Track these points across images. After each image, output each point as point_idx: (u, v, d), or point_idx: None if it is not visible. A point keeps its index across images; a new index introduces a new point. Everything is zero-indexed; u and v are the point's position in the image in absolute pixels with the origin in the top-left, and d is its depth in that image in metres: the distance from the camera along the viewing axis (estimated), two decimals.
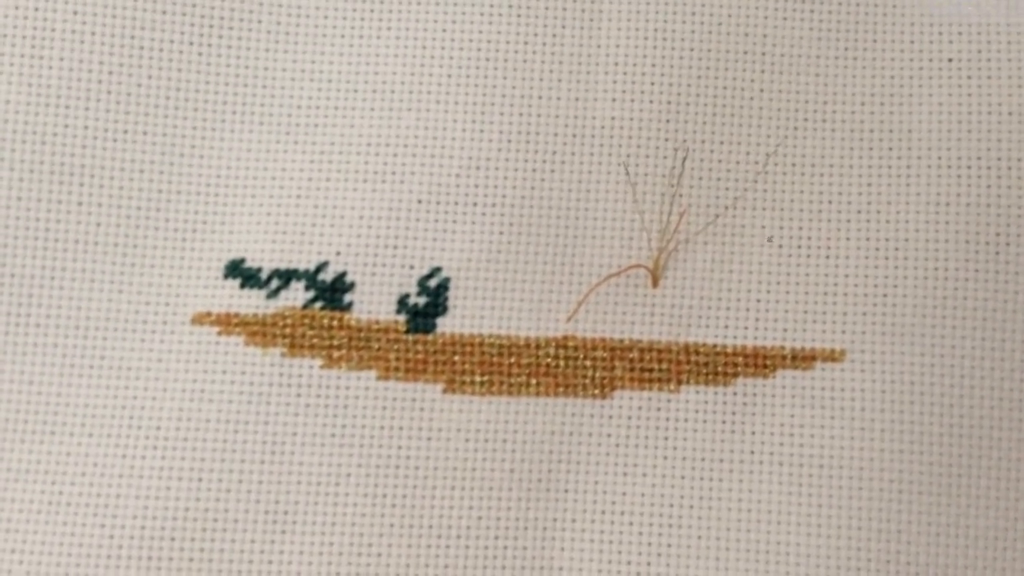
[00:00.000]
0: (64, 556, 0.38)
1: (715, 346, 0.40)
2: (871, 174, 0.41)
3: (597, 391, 0.40)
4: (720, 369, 0.40)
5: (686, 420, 0.40)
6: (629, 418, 0.40)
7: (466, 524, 0.39)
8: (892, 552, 0.38)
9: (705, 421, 0.40)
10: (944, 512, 0.39)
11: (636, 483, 0.39)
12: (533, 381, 0.40)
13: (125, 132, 0.40)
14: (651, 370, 0.40)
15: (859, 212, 0.41)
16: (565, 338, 0.40)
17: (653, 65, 0.41)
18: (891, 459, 0.39)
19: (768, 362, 0.40)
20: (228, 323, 0.40)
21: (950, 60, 0.41)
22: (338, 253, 0.40)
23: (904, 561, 0.38)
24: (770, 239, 0.40)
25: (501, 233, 0.40)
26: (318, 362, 0.40)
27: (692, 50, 0.41)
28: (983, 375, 0.39)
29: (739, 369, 0.40)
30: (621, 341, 0.40)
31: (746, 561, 0.39)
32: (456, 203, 0.41)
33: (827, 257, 0.40)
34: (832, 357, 0.40)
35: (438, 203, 0.41)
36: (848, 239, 0.40)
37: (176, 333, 0.40)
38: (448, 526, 0.39)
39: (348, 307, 0.40)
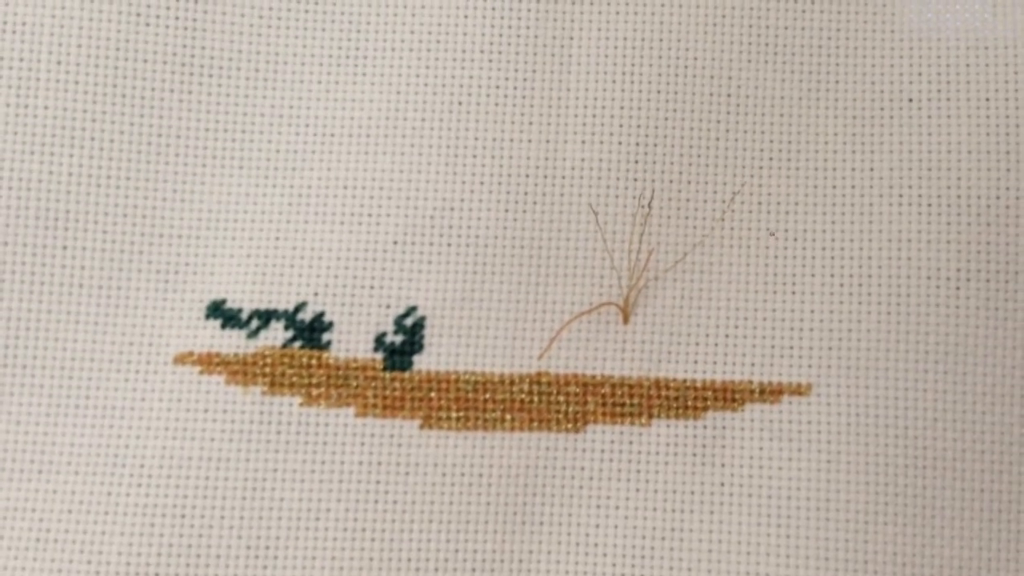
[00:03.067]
0: None
1: (685, 380, 0.43)
2: (835, 212, 0.43)
3: (570, 425, 0.42)
4: (690, 403, 0.42)
5: (657, 453, 0.42)
6: (602, 451, 0.42)
7: (443, 557, 0.41)
8: None
9: (676, 454, 0.42)
10: (910, 543, 0.41)
11: (609, 515, 0.42)
12: (508, 416, 0.42)
13: (108, 178, 0.43)
14: (623, 404, 0.42)
15: (823, 249, 0.43)
16: (538, 374, 0.43)
17: (621, 108, 0.44)
18: (857, 490, 0.41)
19: (737, 396, 0.42)
20: (210, 363, 0.42)
21: (910, 100, 0.44)
22: (316, 293, 0.43)
23: None
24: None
25: (475, 272, 0.43)
26: (297, 400, 0.42)
27: (659, 92, 0.44)
28: (946, 408, 0.42)
29: (708, 403, 0.42)
30: (593, 377, 0.43)
31: None
32: (431, 243, 0.43)
33: (793, 293, 0.43)
34: (799, 391, 0.42)
35: (413, 243, 0.43)
36: (813, 275, 0.43)
37: (159, 373, 0.42)
38: (426, 559, 0.41)
39: (326, 346, 0.42)
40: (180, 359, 0.42)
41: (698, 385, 0.42)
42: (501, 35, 0.44)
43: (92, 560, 0.40)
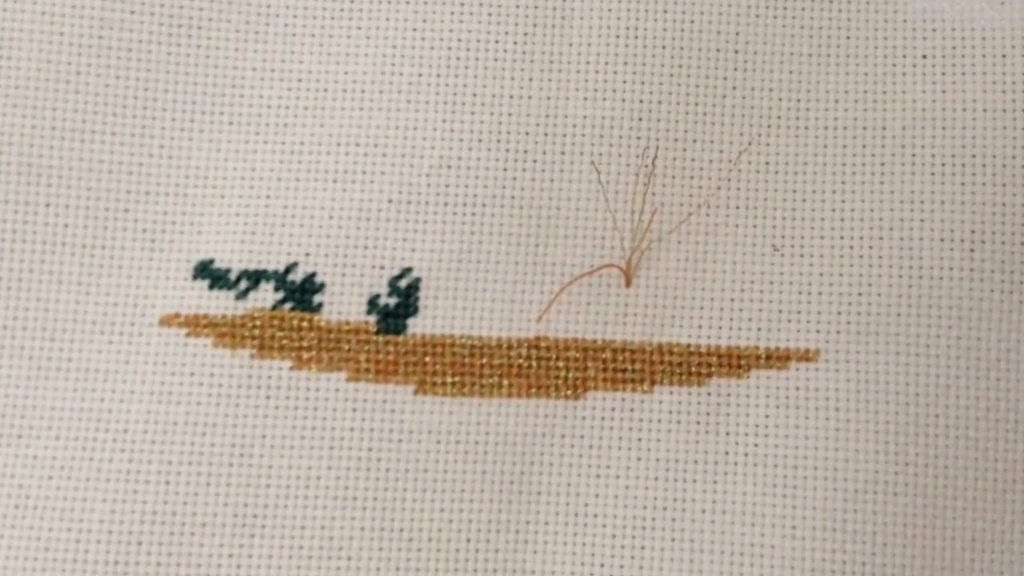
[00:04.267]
0: (31, 561, 0.39)
1: (689, 346, 0.42)
2: (845, 172, 0.42)
3: (569, 392, 0.42)
4: (694, 369, 0.42)
5: (659, 421, 0.41)
6: (602, 419, 0.41)
7: (437, 527, 0.41)
8: (868, 554, 0.40)
9: (679, 422, 0.41)
10: (920, 513, 0.40)
11: (609, 485, 0.41)
12: (505, 382, 0.41)
13: (93, 132, 0.42)
14: (624, 370, 0.42)
15: (833, 211, 0.42)
16: (537, 339, 0.42)
17: (625, 63, 0.43)
18: (866, 459, 0.40)
19: (742, 362, 0.42)
20: (196, 324, 0.41)
21: (924, 57, 0.43)
22: (307, 254, 0.42)
23: (880, 563, 0.40)
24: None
25: (472, 233, 0.42)
26: (287, 364, 0.41)
27: (664, 48, 0.43)
28: (958, 374, 0.41)
29: (713, 369, 0.42)
30: (594, 341, 0.42)
31: (720, 563, 0.40)
32: (427, 203, 0.42)
33: (801, 256, 0.42)
34: (806, 357, 0.41)
35: (408, 203, 0.42)
36: (822, 238, 0.42)
37: (144, 335, 0.41)
38: (419, 529, 0.40)
39: (318, 308, 0.42)
40: (166, 321, 0.41)
41: (702, 351, 0.42)
42: None
43: (73, 528, 0.40)
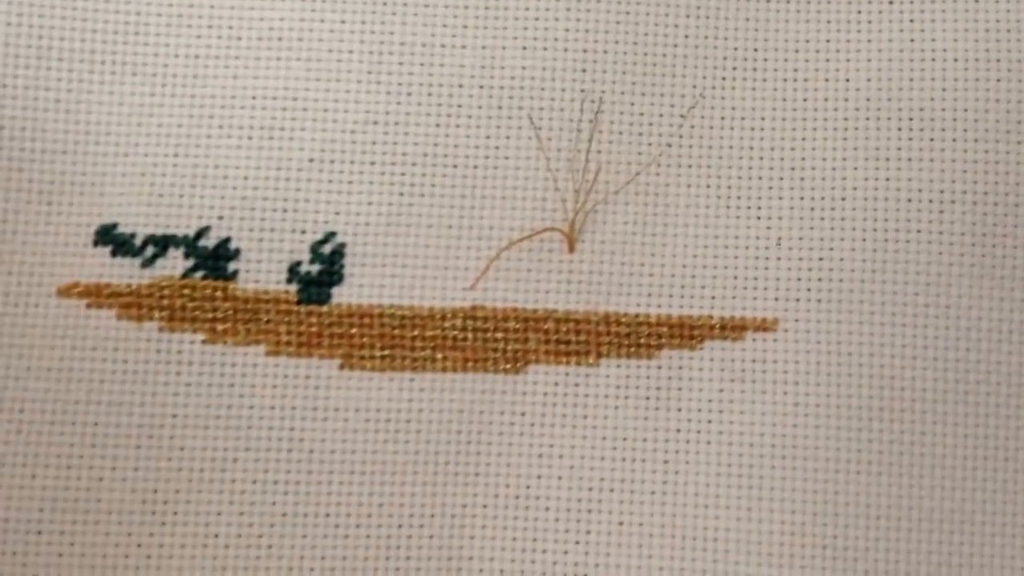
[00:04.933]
0: None
1: (637, 316, 0.41)
2: (805, 127, 0.42)
3: (509, 366, 0.41)
4: (643, 341, 0.41)
5: (606, 396, 0.41)
6: (544, 394, 0.41)
7: (367, 512, 0.40)
8: (829, 537, 0.40)
9: (627, 397, 0.41)
10: (885, 493, 0.40)
11: (552, 465, 0.41)
12: (439, 355, 0.41)
13: None
14: (568, 342, 0.41)
15: (792, 169, 0.42)
16: (474, 308, 0.41)
17: (568, 9, 0.42)
18: (828, 436, 0.40)
19: (695, 332, 0.41)
20: (99, 294, 0.40)
21: (890, 2, 0.42)
22: (220, 217, 0.41)
23: (842, 547, 0.40)
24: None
25: (401, 194, 0.41)
26: (200, 336, 0.40)
27: None
28: (926, 344, 0.41)
29: (663, 340, 0.41)
30: (535, 311, 0.41)
31: (671, 548, 0.40)
32: (352, 162, 0.41)
33: (758, 219, 0.42)
34: (764, 326, 0.41)
35: (332, 162, 0.41)
36: (780, 198, 0.42)
37: (41, 306, 0.40)
38: (347, 514, 0.40)
39: (233, 276, 0.41)
40: (65, 291, 0.40)
41: (652, 320, 0.41)
42: None
43: None
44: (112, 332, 0.40)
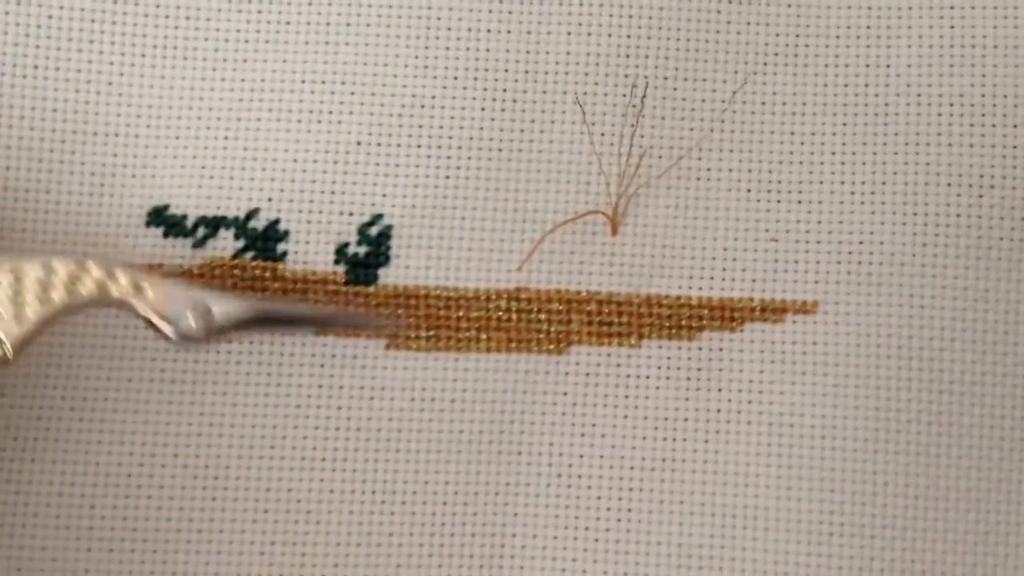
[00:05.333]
0: None
1: (679, 298, 0.42)
2: (846, 113, 0.42)
3: (552, 346, 0.41)
4: (684, 322, 0.42)
5: (647, 377, 0.41)
6: (587, 375, 0.41)
7: (411, 489, 0.41)
8: (867, 516, 0.40)
9: (668, 378, 0.41)
10: (923, 473, 0.41)
11: (594, 444, 0.41)
12: (483, 336, 0.41)
13: (35, 68, 0.41)
14: (610, 324, 0.42)
15: (833, 154, 0.42)
16: (517, 290, 0.42)
17: None
18: (866, 417, 0.41)
19: (735, 315, 0.42)
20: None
21: None
22: (270, 199, 0.41)
23: (880, 525, 0.40)
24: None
25: (448, 177, 0.42)
26: None
27: None
28: (965, 327, 0.41)
29: (704, 322, 0.42)
30: (578, 293, 0.42)
31: (711, 526, 0.41)
32: (399, 145, 0.42)
33: (799, 202, 0.42)
34: (804, 309, 0.42)
35: (379, 145, 0.42)
36: (821, 183, 0.42)
37: None
38: (392, 491, 0.41)
39: (282, 257, 0.41)
40: None
41: (693, 303, 0.42)
42: None
43: (21, 491, 0.39)
44: None
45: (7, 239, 0.41)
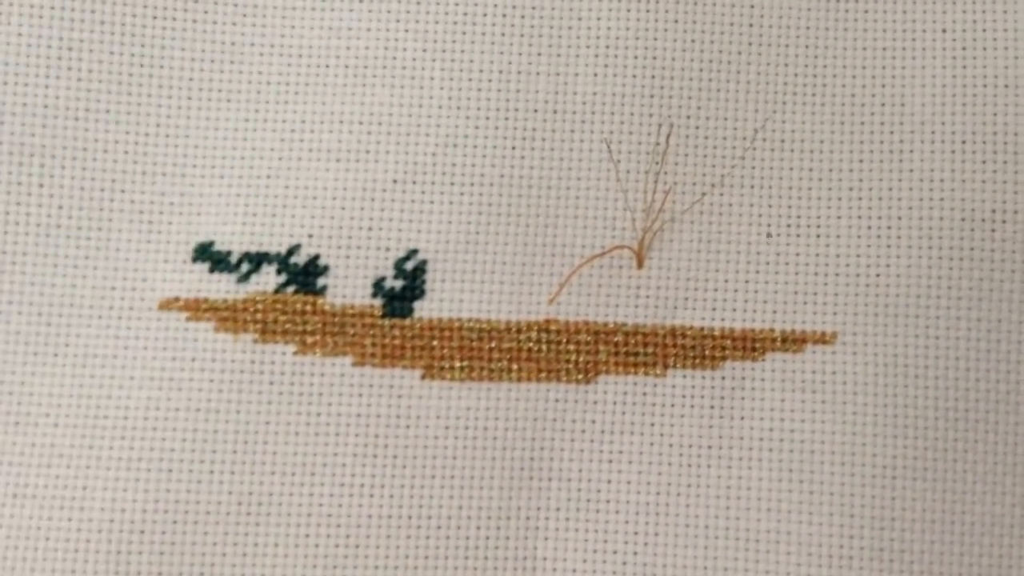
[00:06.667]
0: (30, 551, 0.41)
1: (702, 329, 0.43)
2: (863, 150, 0.44)
3: (580, 376, 0.43)
4: (707, 352, 0.43)
5: (672, 405, 0.43)
6: (614, 404, 0.43)
7: (446, 514, 0.42)
8: (886, 540, 0.42)
9: (692, 406, 0.43)
10: (940, 499, 0.42)
11: (622, 470, 0.43)
12: (514, 366, 0.43)
13: (87, 111, 0.43)
14: (636, 354, 0.43)
15: (850, 189, 0.44)
16: (547, 322, 0.43)
17: (636, 38, 0.44)
18: (885, 444, 0.42)
19: (757, 345, 0.43)
20: (197, 308, 0.43)
21: (944, 31, 0.44)
22: (310, 235, 0.43)
23: (899, 549, 0.42)
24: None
25: (480, 213, 0.43)
26: (291, 348, 0.43)
27: (676, 22, 0.45)
28: (979, 357, 0.43)
29: (727, 352, 0.43)
30: (605, 324, 0.43)
31: (735, 550, 0.42)
32: (432, 182, 0.43)
33: (817, 236, 0.44)
34: (823, 340, 0.43)
35: (414, 182, 0.43)
36: (839, 217, 0.44)
37: (143, 319, 0.42)
38: (428, 516, 0.42)
39: (322, 291, 0.43)
40: (166, 305, 0.42)
41: (716, 333, 0.43)
42: None
43: (73, 517, 0.41)
44: (210, 344, 0.42)
45: (60, 275, 0.43)
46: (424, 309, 0.43)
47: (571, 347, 0.43)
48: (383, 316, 0.43)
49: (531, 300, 0.43)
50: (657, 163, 0.44)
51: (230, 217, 0.43)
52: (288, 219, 0.43)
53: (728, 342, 0.43)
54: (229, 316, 0.42)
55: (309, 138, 0.43)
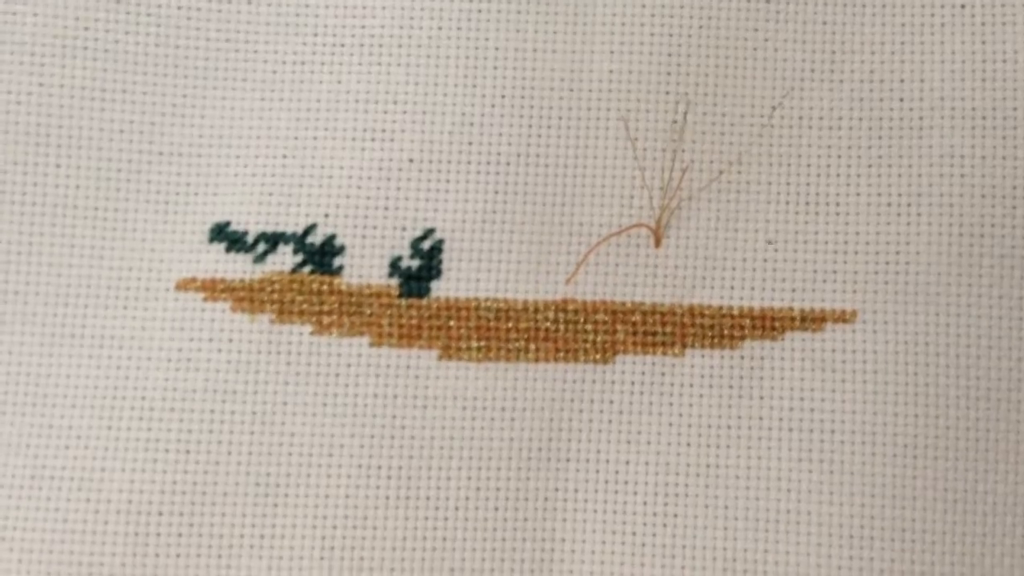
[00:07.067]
0: (48, 532, 0.41)
1: (721, 308, 0.43)
2: (882, 127, 0.44)
3: (598, 356, 0.43)
4: (726, 332, 0.43)
5: (691, 385, 0.43)
6: (632, 384, 0.43)
7: (464, 495, 0.42)
8: (907, 520, 0.42)
9: (711, 386, 0.43)
10: (961, 478, 0.42)
11: (640, 451, 0.42)
12: (532, 346, 0.43)
13: (103, 91, 0.43)
14: (654, 333, 0.43)
15: (870, 167, 0.44)
16: (564, 301, 0.43)
17: (652, 15, 0.44)
18: (905, 423, 0.42)
19: (776, 324, 0.43)
20: (214, 289, 0.43)
21: (963, 6, 0.44)
22: (327, 215, 0.43)
23: (919, 529, 0.42)
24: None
25: (496, 192, 0.43)
26: (308, 328, 0.43)
27: None
28: (1000, 335, 0.42)
29: (746, 331, 0.43)
30: (623, 304, 0.43)
31: (755, 531, 0.42)
32: (449, 161, 0.43)
33: (837, 214, 0.43)
34: (843, 318, 0.43)
35: (430, 162, 0.43)
36: (859, 195, 0.43)
37: (160, 300, 0.43)
38: (445, 497, 0.42)
39: (338, 271, 0.43)
40: (182, 285, 0.43)
41: (735, 312, 0.43)
42: None
43: (91, 498, 0.41)
44: (227, 324, 0.42)
45: (77, 256, 0.43)
46: (441, 289, 0.43)
47: (589, 327, 0.43)
48: (400, 296, 0.43)
49: (548, 279, 0.43)
50: (675, 141, 0.44)
51: (246, 197, 0.43)
52: (304, 199, 0.43)
53: (747, 321, 0.43)
54: (246, 296, 0.42)
55: (325, 118, 0.44)
